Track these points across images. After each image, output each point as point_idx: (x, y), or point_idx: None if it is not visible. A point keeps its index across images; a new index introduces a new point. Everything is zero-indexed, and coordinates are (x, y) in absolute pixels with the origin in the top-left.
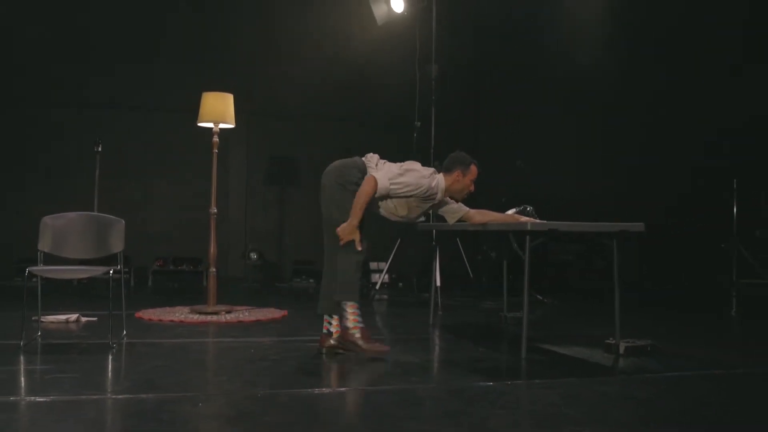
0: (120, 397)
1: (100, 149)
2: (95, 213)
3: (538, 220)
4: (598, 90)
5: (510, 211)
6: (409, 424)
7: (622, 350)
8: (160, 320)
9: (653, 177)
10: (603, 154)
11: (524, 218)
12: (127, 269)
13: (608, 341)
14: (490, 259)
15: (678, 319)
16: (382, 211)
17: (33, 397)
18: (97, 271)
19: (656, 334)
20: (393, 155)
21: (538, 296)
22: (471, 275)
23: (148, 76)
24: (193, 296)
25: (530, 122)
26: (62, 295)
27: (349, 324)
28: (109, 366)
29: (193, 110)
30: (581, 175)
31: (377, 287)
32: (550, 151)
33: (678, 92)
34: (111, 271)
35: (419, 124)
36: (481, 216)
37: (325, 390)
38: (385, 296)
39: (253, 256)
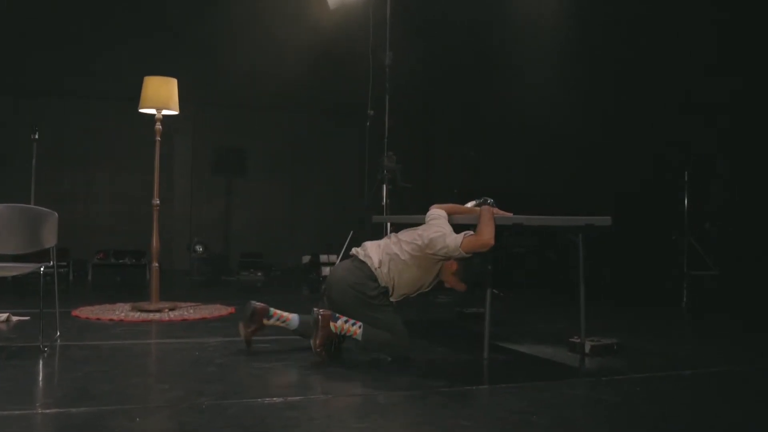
0: (48, 411)
1: (37, 137)
2: (25, 205)
3: (504, 213)
4: (552, 82)
5: (470, 204)
6: None
7: (587, 349)
8: (98, 319)
9: (604, 170)
10: (554, 146)
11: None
12: (65, 263)
13: (573, 340)
14: None
15: (634, 312)
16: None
17: None
18: (26, 268)
19: (615, 329)
20: (345, 145)
21: (494, 290)
22: None
23: (89, 62)
24: (136, 291)
25: (483, 113)
26: None
27: (339, 325)
28: (40, 373)
29: (137, 98)
30: (534, 167)
31: None
32: (504, 143)
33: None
34: (42, 268)
35: (372, 112)
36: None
37: (276, 399)
38: None
39: (199, 248)
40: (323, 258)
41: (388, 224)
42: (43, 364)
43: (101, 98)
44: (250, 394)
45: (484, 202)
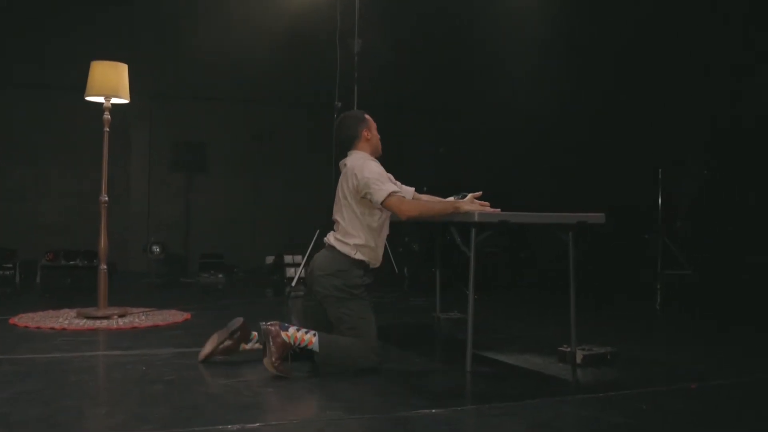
0: None
1: None
2: None
3: (489, 209)
4: (530, 74)
5: (450, 199)
6: None
7: (579, 359)
8: (39, 327)
9: (579, 169)
10: (531, 144)
11: (467, 206)
12: (11, 265)
13: (562, 349)
14: (412, 252)
15: (612, 314)
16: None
17: None
18: None
19: (600, 334)
20: (310, 138)
21: (467, 291)
22: (396, 270)
23: (38, 49)
24: (87, 295)
25: (457, 106)
26: None
27: (291, 334)
28: None
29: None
30: (506, 165)
31: (293, 283)
32: (476, 140)
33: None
34: None
35: (340, 104)
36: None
37: (232, 426)
38: (301, 293)
39: (156, 249)
40: (288, 259)
41: None
42: None
43: (51, 88)
44: (202, 419)
45: (463, 198)
